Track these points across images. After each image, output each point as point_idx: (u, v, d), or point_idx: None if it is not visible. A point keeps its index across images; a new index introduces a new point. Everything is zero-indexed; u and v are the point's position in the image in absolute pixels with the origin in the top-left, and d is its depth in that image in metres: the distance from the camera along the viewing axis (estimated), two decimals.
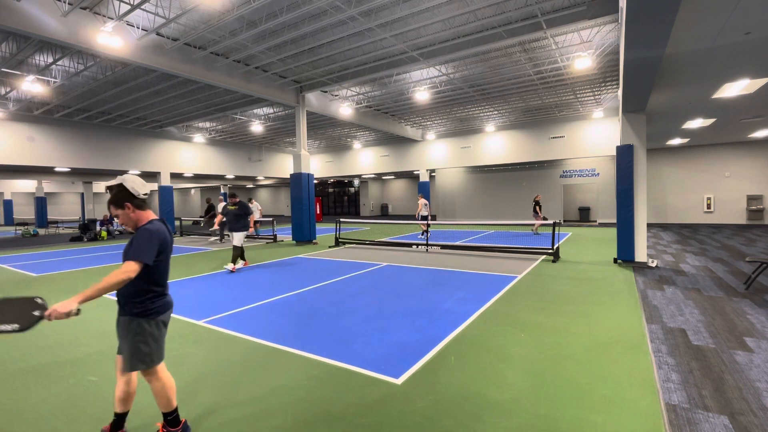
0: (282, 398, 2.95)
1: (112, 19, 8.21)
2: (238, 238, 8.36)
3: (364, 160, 26.01)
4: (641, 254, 7.95)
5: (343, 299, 5.76)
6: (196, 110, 16.31)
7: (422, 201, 14.19)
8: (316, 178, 29.34)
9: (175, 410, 2.44)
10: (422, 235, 14.49)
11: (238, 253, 8.34)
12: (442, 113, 18.25)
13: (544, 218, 15.63)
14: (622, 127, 8.14)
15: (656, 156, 18.30)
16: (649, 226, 16.94)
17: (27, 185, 32.77)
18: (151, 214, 2.42)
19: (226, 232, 9.22)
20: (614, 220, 18.15)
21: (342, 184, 37.28)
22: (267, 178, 29.06)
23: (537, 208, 14.45)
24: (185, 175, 24.57)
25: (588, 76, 12.85)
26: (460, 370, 3.35)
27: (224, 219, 8.97)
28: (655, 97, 8.44)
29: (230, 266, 8.19)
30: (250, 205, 17.13)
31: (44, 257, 11.40)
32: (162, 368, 2.42)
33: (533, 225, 15.35)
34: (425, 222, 12.57)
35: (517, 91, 14.61)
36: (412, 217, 14.40)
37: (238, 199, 8.54)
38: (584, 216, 20.37)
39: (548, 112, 18.05)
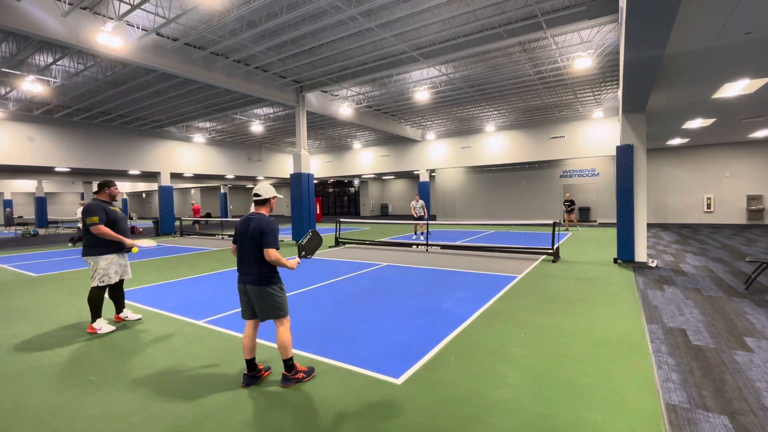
0: (282, 398, 2.95)
1: (112, 19, 8.21)
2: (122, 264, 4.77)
3: (364, 160, 26.00)
4: (641, 254, 7.94)
5: (343, 299, 5.76)
6: (196, 110, 16.31)
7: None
8: (316, 178, 29.34)
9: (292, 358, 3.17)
10: (420, 235, 14.61)
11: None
12: (442, 113, 18.25)
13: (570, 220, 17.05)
14: (622, 127, 8.14)
15: (656, 156, 18.29)
16: (649, 226, 16.93)
17: (27, 185, 32.77)
18: (254, 210, 3.24)
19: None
20: (614, 220, 18.15)
21: (342, 184, 37.27)
22: (267, 178, 29.06)
23: (569, 206, 16.50)
24: (185, 175, 24.58)
25: (588, 76, 12.85)
26: (460, 370, 3.35)
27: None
28: (655, 97, 8.44)
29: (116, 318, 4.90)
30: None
31: (44, 257, 11.40)
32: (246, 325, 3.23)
33: (570, 222, 17.13)
34: (420, 222, 13.38)
35: (517, 91, 14.61)
36: (412, 217, 14.46)
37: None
38: (584, 216, 20.36)
39: (548, 112, 18.05)
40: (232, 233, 16.60)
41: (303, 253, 3.25)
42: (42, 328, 4.74)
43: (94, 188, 4.12)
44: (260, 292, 3.08)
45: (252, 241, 3.08)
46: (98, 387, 3.19)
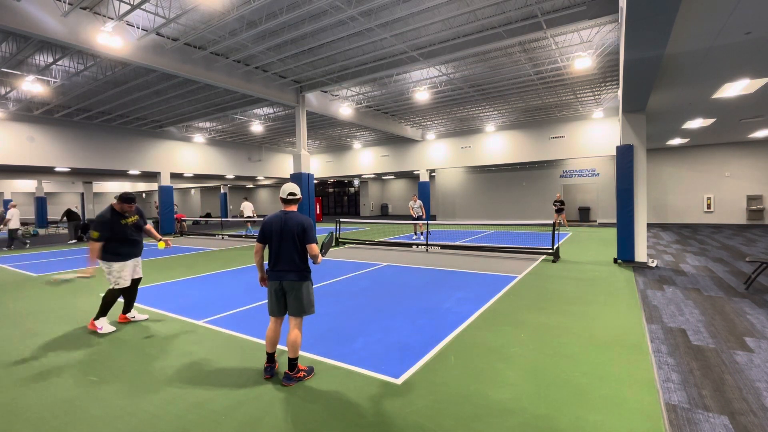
0: (282, 398, 2.95)
1: (112, 19, 8.21)
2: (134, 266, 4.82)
3: (364, 160, 26.00)
4: (641, 254, 7.94)
5: (343, 299, 5.77)
6: (196, 110, 16.31)
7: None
8: (316, 178, 29.34)
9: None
10: (420, 235, 14.45)
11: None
12: (442, 113, 18.25)
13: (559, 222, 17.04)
14: (622, 127, 8.14)
15: (656, 156, 18.30)
16: (649, 226, 16.93)
17: (27, 185, 32.75)
18: (286, 209, 3.34)
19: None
20: (614, 220, 18.15)
21: (342, 184, 37.27)
22: (267, 178, 29.06)
23: (559, 205, 16.85)
24: (185, 175, 24.58)
25: (588, 76, 12.85)
26: (460, 370, 3.35)
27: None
28: (655, 97, 8.44)
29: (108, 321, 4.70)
30: (246, 203, 16.81)
31: (44, 257, 11.41)
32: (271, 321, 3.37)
33: (559, 222, 17.04)
34: (418, 222, 13.42)
35: (517, 91, 14.61)
36: (412, 217, 14.44)
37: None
38: (584, 216, 20.36)
39: (548, 112, 18.05)
40: (233, 233, 16.54)
41: (323, 251, 3.46)
42: (41, 328, 4.74)
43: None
44: (300, 287, 3.22)
45: (295, 237, 3.22)
46: (99, 387, 3.20)
